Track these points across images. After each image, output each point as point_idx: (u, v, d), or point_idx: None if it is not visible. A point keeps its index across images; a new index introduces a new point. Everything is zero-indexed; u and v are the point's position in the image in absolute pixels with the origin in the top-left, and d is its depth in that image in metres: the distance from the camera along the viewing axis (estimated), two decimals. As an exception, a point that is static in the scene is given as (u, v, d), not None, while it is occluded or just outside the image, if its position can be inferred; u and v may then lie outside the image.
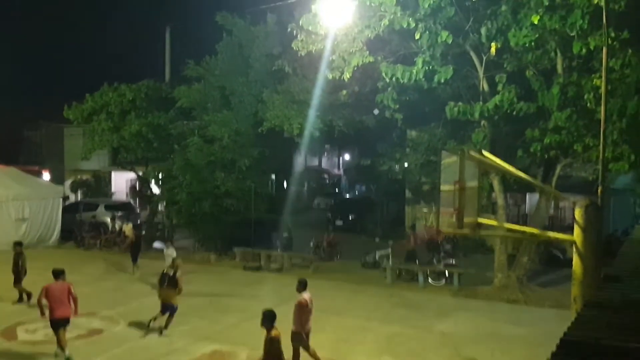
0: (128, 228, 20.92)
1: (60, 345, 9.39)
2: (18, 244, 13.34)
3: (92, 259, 19.03)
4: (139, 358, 9.52)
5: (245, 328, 11.46)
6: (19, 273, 12.85)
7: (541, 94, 13.12)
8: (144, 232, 21.68)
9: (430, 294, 14.87)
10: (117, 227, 21.39)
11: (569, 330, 3.86)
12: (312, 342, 10.48)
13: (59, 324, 9.39)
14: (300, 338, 8.85)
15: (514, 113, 13.18)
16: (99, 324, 11.48)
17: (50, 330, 10.65)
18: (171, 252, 14.10)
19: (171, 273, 11.04)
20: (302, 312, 8.84)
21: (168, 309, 10.82)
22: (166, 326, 10.80)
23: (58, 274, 9.71)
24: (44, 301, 9.48)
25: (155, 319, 10.98)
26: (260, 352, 9.66)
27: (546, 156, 14.14)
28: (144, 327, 11.01)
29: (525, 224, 21.95)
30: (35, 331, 10.93)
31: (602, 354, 3.30)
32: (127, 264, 17.23)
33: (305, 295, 9.02)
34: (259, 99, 18.90)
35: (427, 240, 18.70)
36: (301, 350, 8.83)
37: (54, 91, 28.21)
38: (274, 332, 7.17)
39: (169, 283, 10.96)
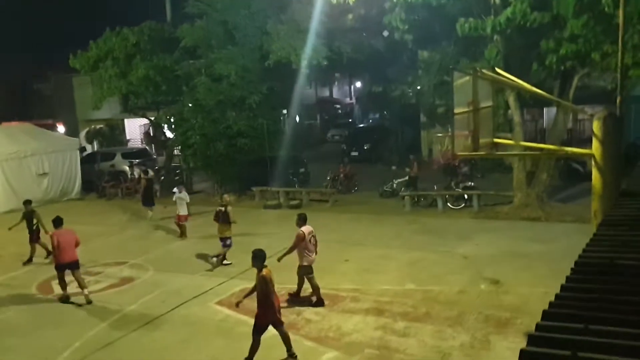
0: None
1: (80, 285, 10.25)
2: (27, 202, 13.21)
3: (114, 208, 19.41)
4: (170, 303, 9.84)
5: (269, 265, 11.72)
6: (32, 232, 12.95)
7: (556, 2, 12.48)
8: (162, 177, 21.94)
9: (450, 218, 14.96)
10: (135, 174, 21.62)
11: (584, 252, 3.84)
12: (336, 272, 10.77)
13: (66, 267, 10.17)
14: (306, 271, 9.27)
15: (528, 24, 12.63)
16: (129, 273, 11.83)
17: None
18: (184, 196, 14.34)
19: (223, 209, 11.84)
20: (301, 243, 9.19)
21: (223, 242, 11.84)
22: (218, 256, 11.87)
23: (59, 221, 10.44)
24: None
25: (218, 255, 11.84)
26: (287, 286, 9.98)
27: (562, 68, 13.68)
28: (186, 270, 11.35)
29: (543, 139, 21.70)
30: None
31: (617, 274, 3.29)
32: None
33: (304, 229, 9.32)
34: (263, 30, 18.38)
35: (443, 165, 18.60)
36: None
37: (59, 41, 27.69)
38: (264, 271, 7.32)
39: (222, 219, 11.77)
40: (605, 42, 12.25)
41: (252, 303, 9.49)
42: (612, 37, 11.87)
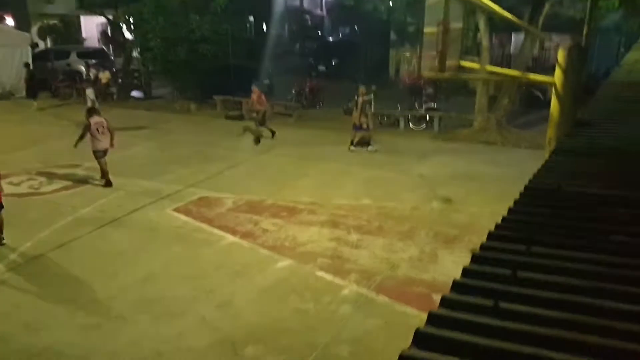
0: (105, 75, 20.37)
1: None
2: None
3: (68, 109, 18.70)
4: (126, 207, 9.80)
5: (229, 176, 11.76)
6: None
7: None
8: (120, 80, 21.14)
9: (411, 138, 15.12)
10: (92, 75, 20.73)
11: (534, 177, 3.96)
12: (296, 186, 10.92)
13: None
14: (95, 155, 10.89)
15: None
16: (83, 175, 11.61)
17: (33, 182, 10.89)
18: (89, 94, 15.43)
19: (360, 100, 13.57)
20: (88, 132, 10.79)
21: (356, 128, 13.66)
22: (356, 143, 13.62)
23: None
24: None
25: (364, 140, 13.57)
26: (246, 197, 10.07)
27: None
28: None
29: (509, 65, 21.73)
30: (19, 184, 11.08)
31: (564, 199, 3.42)
32: (107, 113, 17.03)
33: (92, 120, 10.78)
34: None
35: (409, 84, 18.54)
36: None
37: None
38: None
39: (361, 109, 13.52)
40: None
41: (210, 211, 9.60)
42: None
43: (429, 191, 10.73)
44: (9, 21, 30.81)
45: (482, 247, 2.83)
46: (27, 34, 23.32)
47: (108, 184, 10.90)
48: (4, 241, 8.22)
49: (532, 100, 18.18)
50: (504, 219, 3.20)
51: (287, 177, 11.65)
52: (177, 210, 9.74)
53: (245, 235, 8.64)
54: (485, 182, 11.22)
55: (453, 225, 8.98)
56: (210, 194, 10.52)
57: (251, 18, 23.02)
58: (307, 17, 46.33)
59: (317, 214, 9.51)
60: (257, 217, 9.37)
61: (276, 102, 18.69)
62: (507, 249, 2.72)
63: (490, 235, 2.96)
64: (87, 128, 10.74)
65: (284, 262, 7.74)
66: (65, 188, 10.86)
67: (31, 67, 19.00)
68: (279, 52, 32.82)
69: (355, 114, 13.74)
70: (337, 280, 7.18)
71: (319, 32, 43.30)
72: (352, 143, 13.70)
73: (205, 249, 8.22)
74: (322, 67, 26.28)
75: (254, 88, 14.77)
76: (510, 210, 3.31)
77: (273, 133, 14.67)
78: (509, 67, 19.39)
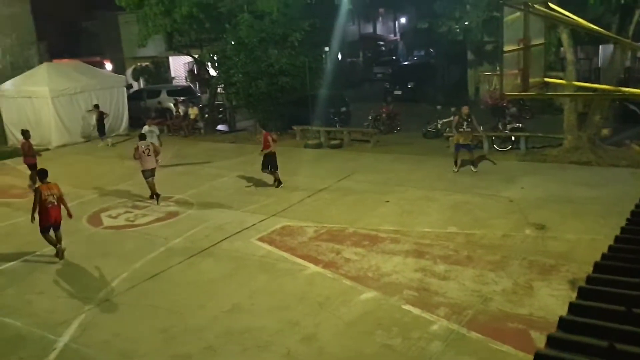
0: (193, 111, 21.47)
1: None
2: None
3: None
4: (214, 237, 10.11)
5: (310, 204, 11.85)
6: None
7: None
8: (206, 115, 22.13)
9: (496, 159, 14.56)
10: (181, 111, 21.87)
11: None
12: (376, 213, 10.81)
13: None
14: (144, 174, 12.50)
15: None
16: (174, 207, 12.16)
17: (129, 215, 11.56)
18: (154, 129, 15.61)
19: (468, 120, 13.27)
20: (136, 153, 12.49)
21: (465, 147, 13.45)
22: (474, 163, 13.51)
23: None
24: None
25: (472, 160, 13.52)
26: (327, 225, 10.08)
27: (622, 1, 12.71)
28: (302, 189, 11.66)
29: (597, 79, 20.58)
30: (117, 217, 11.77)
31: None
32: (195, 147, 17.85)
33: (140, 144, 12.49)
34: (306, -35, 17.78)
35: (490, 105, 18.00)
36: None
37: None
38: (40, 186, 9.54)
39: (467, 127, 13.28)
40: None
41: (292, 240, 9.69)
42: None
43: (520, 217, 10.21)
44: (108, 66, 33.46)
45: (589, 279, 2.60)
46: (122, 76, 25.16)
47: (156, 197, 12.46)
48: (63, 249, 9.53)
49: (628, 115, 17.02)
50: (611, 247, 2.94)
51: (368, 204, 11.55)
52: (261, 239, 9.92)
53: (328, 265, 8.60)
54: (581, 206, 10.53)
55: (549, 254, 8.44)
56: (292, 223, 10.63)
57: (326, 48, 23.40)
58: (381, 42, 46.60)
59: (400, 243, 9.32)
60: (339, 246, 9.32)
61: (353, 128, 18.78)
62: (618, 282, 2.49)
63: (597, 267, 2.72)
64: (136, 150, 12.47)
65: (368, 294, 7.59)
66: (158, 220, 11.40)
67: (100, 107, 20.37)
68: (355, 79, 33.15)
69: (456, 135, 13.56)
70: (426, 315, 6.91)
71: (394, 56, 43.36)
72: (455, 164, 13.57)
73: (288, 279, 8.27)
74: (398, 92, 26.11)
75: (263, 131, 14.15)
76: (617, 238, 3.04)
77: (279, 182, 13.25)
78: (598, 81, 18.36)
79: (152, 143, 13.01)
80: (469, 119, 13.29)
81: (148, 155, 12.41)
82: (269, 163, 13.17)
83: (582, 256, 7.89)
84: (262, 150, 13.25)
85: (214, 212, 11.61)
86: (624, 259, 2.70)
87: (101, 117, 20.18)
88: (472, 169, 13.46)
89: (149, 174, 12.43)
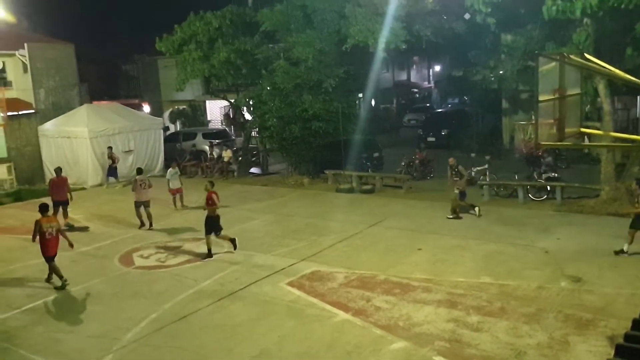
0: (227, 154, 21.87)
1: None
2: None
3: (194, 185, 20.09)
4: (243, 280, 10.10)
5: (341, 249, 11.77)
6: None
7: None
8: (240, 158, 22.52)
9: (531, 209, 14.29)
10: (215, 154, 22.31)
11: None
12: (408, 261, 10.66)
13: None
14: (135, 205, 13.91)
15: (622, 6, 11.67)
16: (205, 249, 12.21)
17: (160, 255, 11.69)
18: (176, 171, 16.34)
19: (454, 170, 14.07)
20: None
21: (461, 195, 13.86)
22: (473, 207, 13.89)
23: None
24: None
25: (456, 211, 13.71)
26: (357, 271, 9.96)
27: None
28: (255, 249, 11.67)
29: (635, 129, 20.20)
30: (149, 257, 11.90)
31: None
32: (227, 189, 18.06)
33: (138, 177, 13.97)
34: (342, 14, 18.25)
35: (525, 154, 17.79)
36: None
37: (146, 24, 29.17)
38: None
39: (455, 177, 14.03)
40: None
41: (322, 286, 9.59)
42: None
43: (556, 268, 9.91)
44: (146, 108, 34.64)
45: (627, 337, 2.49)
46: (159, 119, 25.90)
47: (147, 227, 13.80)
48: (67, 282, 10.03)
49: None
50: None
51: (399, 251, 11.40)
52: (290, 284, 9.85)
53: (358, 313, 8.46)
54: (619, 259, 10.19)
55: (585, 308, 8.14)
56: (323, 268, 10.55)
57: (360, 95, 23.73)
58: (415, 90, 47.02)
59: (432, 292, 9.12)
60: (369, 294, 9.17)
61: (386, 174, 18.77)
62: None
63: (636, 323, 2.61)
64: (135, 182, 13.90)
65: (399, 344, 7.41)
66: (189, 261, 11.47)
67: (113, 149, 20.44)
68: (389, 125, 33.37)
69: (462, 182, 14.08)
70: (458, 367, 6.70)
71: (427, 103, 43.61)
72: (454, 211, 13.83)
73: (317, 326, 8.14)
74: (431, 138, 26.12)
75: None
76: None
77: (234, 243, 11.85)
78: (637, 132, 18.01)
79: (148, 178, 14.58)
80: (456, 169, 14.08)
81: (143, 188, 13.81)
82: (212, 227, 11.58)
83: (621, 311, 7.61)
84: (204, 209, 11.72)
85: (243, 254, 11.63)
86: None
87: (113, 159, 20.28)
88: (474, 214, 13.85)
89: (140, 204, 13.83)
